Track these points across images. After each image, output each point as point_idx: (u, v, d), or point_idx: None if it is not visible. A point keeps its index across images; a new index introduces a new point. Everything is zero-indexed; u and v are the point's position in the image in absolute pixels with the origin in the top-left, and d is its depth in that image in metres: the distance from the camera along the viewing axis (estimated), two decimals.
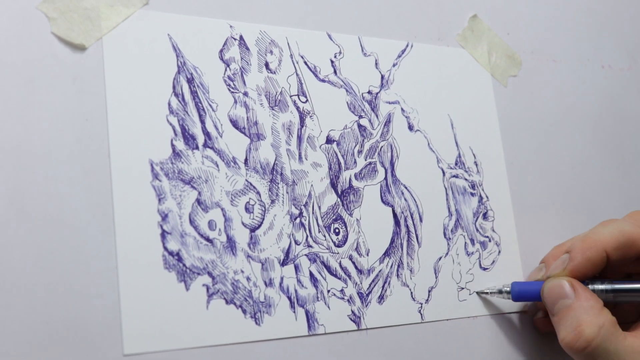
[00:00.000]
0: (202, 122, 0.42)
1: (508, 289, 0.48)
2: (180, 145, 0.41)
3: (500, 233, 0.52)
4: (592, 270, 0.46)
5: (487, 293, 0.49)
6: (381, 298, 0.46)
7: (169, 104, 0.42)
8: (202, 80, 0.43)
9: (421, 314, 0.47)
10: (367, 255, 0.46)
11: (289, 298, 0.43)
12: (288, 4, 0.47)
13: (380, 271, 0.46)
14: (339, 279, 0.45)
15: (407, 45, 0.51)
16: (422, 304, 0.47)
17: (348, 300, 0.44)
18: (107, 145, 0.40)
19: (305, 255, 0.44)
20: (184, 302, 0.39)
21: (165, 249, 0.40)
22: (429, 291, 0.47)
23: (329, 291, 0.44)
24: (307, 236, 0.44)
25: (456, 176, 0.51)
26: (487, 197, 0.52)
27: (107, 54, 0.41)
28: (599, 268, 0.46)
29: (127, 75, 0.41)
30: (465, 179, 0.51)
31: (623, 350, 0.43)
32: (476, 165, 0.52)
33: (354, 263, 0.45)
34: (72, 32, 0.40)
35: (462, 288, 0.49)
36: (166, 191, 0.40)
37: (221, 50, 0.44)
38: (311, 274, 0.44)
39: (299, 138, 0.45)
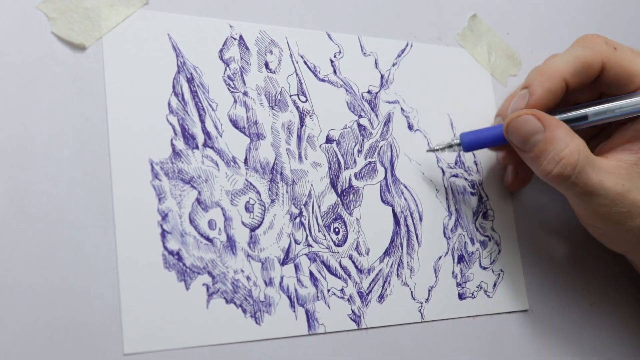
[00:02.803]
0: (202, 121, 0.42)
1: (458, 140, 0.48)
2: (180, 144, 0.41)
3: (500, 232, 0.52)
4: (553, 102, 0.46)
5: (436, 150, 0.49)
6: (381, 297, 0.46)
7: (169, 104, 0.42)
8: (202, 80, 0.43)
9: (421, 313, 0.47)
10: (367, 254, 0.46)
11: (289, 297, 0.43)
12: (288, 3, 0.47)
13: (380, 270, 0.46)
14: (339, 278, 0.45)
15: (407, 45, 0.51)
16: (422, 303, 0.47)
17: (348, 300, 0.44)
18: (107, 145, 0.40)
19: (305, 254, 0.44)
20: (184, 302, 0.40)
21: (165, 248, 0.40)
22: (429, 290, 0.47)
23: (329, 290, 0.44)
24: (307, 235, 0.44)
25: (456, 175, 0.51)
26: (487, 196, 0.52)
27: (107, 54, 0.41)
28: (559, 99, 0.46)
29: (127, 75, 0.41)
30: (465, 179, 0.51)
31: (599, 170, 0.44)
32: (476, 164, 0.52)
33: (354, 262, 0.45)
34: (72, 32, 0.40)
35: (463, 288, 0.49)
36: (166, 191, 0.41)
37: (221, 50, 0.44)
38: (311, 274, 0.44)
39: (299, 137, 0.45)
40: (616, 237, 0.48)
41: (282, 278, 0.43)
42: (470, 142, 0.47)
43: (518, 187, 0.52)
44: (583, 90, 0.48)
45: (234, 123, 0.43)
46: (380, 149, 0.48)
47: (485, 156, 0.53)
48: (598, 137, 0.51)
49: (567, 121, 0.46)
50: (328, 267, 0.44)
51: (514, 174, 0.51)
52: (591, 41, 0.47)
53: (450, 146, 0.48)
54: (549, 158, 0.44)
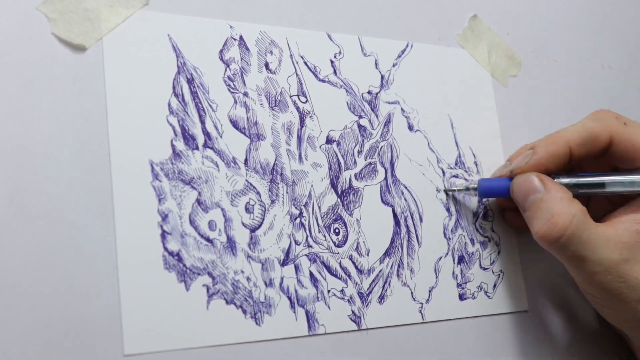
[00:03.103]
0: (202, 122, 0.42)
1: (475, 185, 0.49)
2: (180, 145, 0.41)
3: (500, 233, 0.52)
4: (555, 165, 0.47)
5: (454, 190, 0.50)
6: (381, 298, 0.46)
7: (169, 105, 0.42)
8: (202, 81, 0.43)
9: (422, 314, 0.47)
10: (367, 255, 0.46)
11: (289, 298, 0.43)
12: (288, 4, 0.47)
13: (380, 271, 0.46)
14: (339, 279, 0.45)
15: (407, 46, 0.51)
16: (422, 304, 0.47)
17: (348, 301, 0.44)
18: (107, 146, 0.40)
19: (306, 255, 0.44)
20: (184, 303, 0.39)
21: (166, 249, 0.40)
22: (430, 291, 0.47)
23: (329, 291, 0.44)
24: (307, 236, 0.44)
25: (456, 176, 0.51)
26: None
27: (107, 55, 0.41)
28: (563, 163, 0.47)
29: (127, 76, 0.41)
30: (466, 179, 0.51)
31: (596, 237, 0.44)
32: (476, 165, 0.52)
33: (354, 263, 0.45)
34: (72, 32, 0.40)
35: (463, 288, 0.49)
36: (166, 191, 0.40)
37: (221, 51, 0.44)
38: (311, 274, 0.44)
39: (299, 138, 0.45)
40: (613, 308, 0.47)
41: (282, 279, 0.43)
42: (485, 190, 0.49)
43: (520, 224, 0.51)
44: (594, 163, 0.49)
45: (234, 124, 0.43)
46: (381, 149, 0.48)
47: (486, 156, 0.53)
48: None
49: (583, 185, 0.47)
50: (328, 268, 0.44)
51: (513, 214, 0.51)
52: (602, 115, 0.48)
53: (467, 189, 0.50)
54: (541, 217, 0.45)
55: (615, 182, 0.47)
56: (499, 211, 0.52)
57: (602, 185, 0.47)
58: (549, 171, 0.47)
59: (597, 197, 0.51)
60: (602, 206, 0.50)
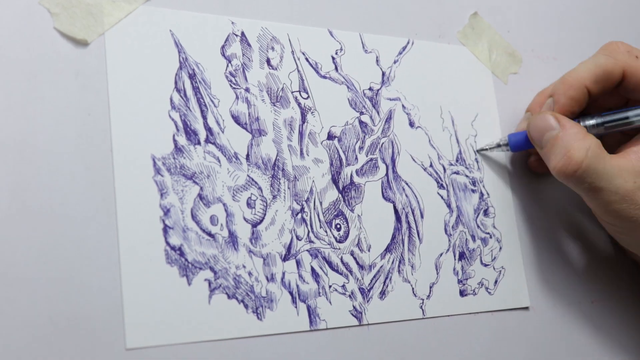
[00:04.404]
0: (204, 117, 0.43)
1: (506, 141, 0.51)
2: (182, 140, 0.42)
3: (501, 229, 0.52)
4: (577, 108, 0.49)
5: (486, 149, 0.52)
6: (382, 294, 0.46)
7: (171, 100, 0.42)
8: (204, 76, 0.43)
9: (422, 310, 0.47)
10: (369, 251, 0.46)
11: (291, 293, 0.43)
12: (289, 0, 0.47)
13: (381, 267, 0.46)
14: (341, 274, 0.45)
15: (408, 43, 0.51)
16: (423, 299, 0.47)
17: (350, 296, 0.45)
18: (110, 141, 0.40)
19: (307, 250, 0.44)
20: (186, 297, 0.40)
21: (168, 243, 0.40)
22: (430, 287, 0.48)
23: (330, 286, 0.44)
24: (308, 232, 0.44)
25: (457, 173, 0.51)
26: (487, 193, 0.52)
27: (109, 50, 0.41)
28: (583, 105, 0.49)
29: (130, 71, 0.41)
30: (466, 176, 0.51)
31: (610, 169, 0.46)
32: (477, 162, 0.52)
33: (355, 259, 0.45)
34: (75, 27, 0.40)
35: (464, 284, 0.49)
36: (168, 186, 0.41)
37: (223, 47, 0.44)
38: (313, 270, 0.44)
39: (301, 134, 0.46)
40: (630, 235, 0.48)
41: (283, 274, 0.43)
42: (516, 143, 0.50)
43: (542, 169, 0.53)
44: (608, 97, 0.51)
45: (236, 119, 0.44)
46: (382, 145, 0.48)
47: (486, 154, 0.53)
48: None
49: (609, 122, 0.49)
50: (329, 263, 0.44)
51: (537, 159, 0.53)
52: (613, 49, 0.50)
53: (498, 146, 0.51)
54: (557, 152, 0.46)
55: (638, 114, 0.48)
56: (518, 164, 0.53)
57: (626, 119, 0.48)
58: (571, 115, 0.49)
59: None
60: (615, 139, 0.51)
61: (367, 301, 0.45)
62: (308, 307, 0.43)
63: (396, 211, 0.48)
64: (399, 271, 0.47)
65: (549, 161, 0.47)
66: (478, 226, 0.51)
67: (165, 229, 0.40)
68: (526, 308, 0.51)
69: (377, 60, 0.50)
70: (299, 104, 0.46)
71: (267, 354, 0.41)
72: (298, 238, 0.44)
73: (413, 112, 0.50)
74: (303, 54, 0.47)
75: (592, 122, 0.49)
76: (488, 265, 0.50)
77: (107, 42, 0.41)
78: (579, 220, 0.56)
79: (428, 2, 0.53)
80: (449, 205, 0.50)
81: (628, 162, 0.46)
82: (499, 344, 0.49)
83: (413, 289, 0.47)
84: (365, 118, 0.48)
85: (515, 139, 0.51)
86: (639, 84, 0.49)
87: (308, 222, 0.44)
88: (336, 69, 0.48)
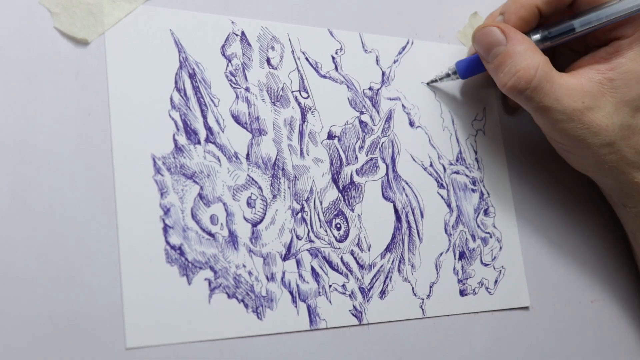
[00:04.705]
0: (204, 117, 0.43)
1: (454, 69, 0.50)
2: (182, 140, 0.42)
3: (501, 229, 0.52)
4: (526, 29, 0.48)
5: (435, 80, 0.51)
6: (382, 293, 0.46)
7: (171, 99, 0.42)
8: (204, 76, 0.43)
9: (422, 310, 0.47)
10: (369, 250, 0.46)
11: (291, 293, 0.43)
12: (289, 0, 0.47)
13: (381, 266, 0.46)
14: (341, 274, 0.45)
15: (408, 42, 0.51)
16: (423, 299, 0.47)
17: (350, 295, 0.45)
18: (110, 140, 0.40)
19: (307, 250, 0.44)
20: (186, 296, 0.40)
21: (168, 243, 0.40)
22: (430, 287, 0.48)
23: (330, 286, 0.44)
24: (308, 231, 0.44)
25: (457, 172, 0.51)
26: (488, 193, 0.52)
27: (109, 49, 0.41)
28: (532, 25, 0.49)
29: (130, 71, 0.41)
30: (466, 175, 0.51)
31: (559, 87, 0.46)
32: (477, 161, 0.52)
33: (355, 258, 0.45)
34: (75, 27, 0.40)
35: (464, 284, 0.49)
36: (168, 186, 0.41)
37: (223, 46, 0.44)
38: (313, 269, 0.44)
39: (301, 133, 0.46)
40: (577, 154, 0.49)
41: (283, 273, 0.43)
42: (465, 69, 0.50)
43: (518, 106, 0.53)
44: (560, 17, 0.50)
45: (236, 119, 0.44)
46: (382, 145, 0.48)
47: (487, 153, 0.53)
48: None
49: (555, 36, 0.48)
50: (330, 263, 0.44)
51: None
52: None
53: (447, 75, 0.51)
54: (506, 71, 0.46)
55: (583, 22, 0.47)
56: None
57: (572, 29, 0.48)
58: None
59: (560, 47, 0.52)
60: (566, 56, 0.51)
61: (367, 301, 0.45)
62: (308, 307, 0.43)
63: (396, 211, 0.48)
64: (399, 271, 0.47)
65: (498, 78, 0.47)
66: (478, 226, 0.51)
67: (165, 229, 0.40)
68: (526, 308, 0.51)
69: (377, 60, 0.50)
70: (299, 104, 0.46)
71: (267, 353, 0.41)
72: (298, 237, 0.44)
73: (413, 112, 0.50)
74: (303, 53, 0.47)
75: (537, 36, 0.48)
76: (488, 264, 0.50)
77: (107, 41, 0.41)
78: (579, 220, 0.56)
79: (428, 2, 0.53)
80: (449, 205, 0.50)
81: (577, 82, 0.46)
82: (499, 343, 0.49)
83: (413, 288, 0.47)
84: (365, 118, 0.48)
85: (463, 64, 0.50)
86: (590, 1, 0.48)
87: (308, 222, 0.44)
88: (336, 68, 0.48)
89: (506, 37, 0.47)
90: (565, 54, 0.52)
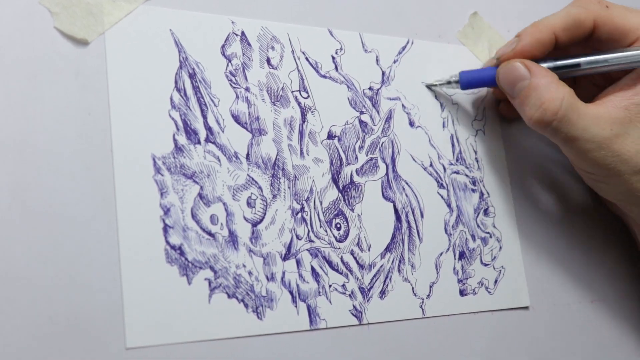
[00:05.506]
0: (204, 117, 0.43)
1: (457, 78, 0.50)
2: (182, 139, 0.42)
3: (501, 229, 0.52)
4: (541, 51, 0.48)
5: (435, 85, 0.51)
6: (382, 293, 0.46)
7: (171, 99, 0.42)
8: (204, 76, 0.43)
9: (422, 309, 0.47)
10: (369, 250, 0.46)
11: (291, 293, 0.43)
12: (289, 0, 0.47)
13: (381, 266, 0.46)
14: (341, 274, 0.45)
15: (408, 42, 0.51)
16: (423, 299, 0.47)
17: (350, 295, 0.45)
18: (110, 140, 0.40)
19: (307, 250, 0.44)
20: (186, 296, 0.40)
21: (168, 243, 0.40)
22: (430, 286, 0.48)
23: (330, 286, 0.44)
24: (308, 231, 0.44)
25: (457, 172, 0.51)
26: (487, 193, 0.52)
27: (109, 49, 0.41)
28: (548, 49, 0.49)
29: (130, 70, 0.41)
30: (466, 175, 0.51)
31: (585, 116, 0.46)
32: (477, 161, 0.52)
33: (355, 258, 0.45)
34: (75, 27, 0.40)
35: (464, 284, 0.49)
36: (168, 185, 0.41)
37: (223, 46, 0.44)
38: (313, 269, 0.44)
39: (301, 133, 0.46)
40: (608, 182, 0.48)
41: (283, 273, 0.43)
42: (468, 81, 0.50)
43: (513, 115, 0.53)
44: (578, 47, 0.50)
45: (236, 118, 0.44)
46: (382, 145, 0.48)
47: (487, 153, 0.53)
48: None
49: (560, 68, 0.48)
50: (329, 263, 0.44)
51: (507, 104, 0.53)
52: (584, 1, 0.49)
53: (449, 83, 0.51)
54: (531, 103, 0.46)
55: (589, 61, 0.48)
56: (494, 103, 0.53)
57: (577, 65, 0.48)
58: (534, 57, 0.48)
59: (584, 82, 0.52)
60: (589, 90, 0.51)
61: (367, 301, 0.45)
62: (308, 307, 0.43)
63: (396, 211, 0.48)
64: (399, 271, 0.47)
65: (524, 112, 0.47)
66: (478, 226, 0.51)
67: (165, 229, 0.40)
68: (526, 307, 0.51)
69: (377, 60, 0.50)
70: (299, 104, 0.46)
71: (267, 353, 0.41)
72: (298, 237, 0.44)
73: (413, 112, 0.50)
74: (303, 53, 0.47)
75: (545, 65, 0.48)
76: (488, 264, 0.51)
77: (107, 41, 0.41)
78: (579, 220, 0.56)
79: (428, 1, 0.53)
80: (449, 205, 0.50)
81: (604, 110, 0.46)
82: (498, 343, 0.49)
83: (413, 288, 0.47)
84: (365, 117, 0.48)
85: (468, 77, 0.50)
86: (610, 34, 0.48)
87: (308, 222, 0.44)
88: (336, 68, 0.48)
89: (530, 71, 0.47)
90: (587, 88, 0.52)
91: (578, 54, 0.49)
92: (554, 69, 0.48)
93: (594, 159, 0.46)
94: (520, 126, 0.55)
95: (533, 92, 0.46)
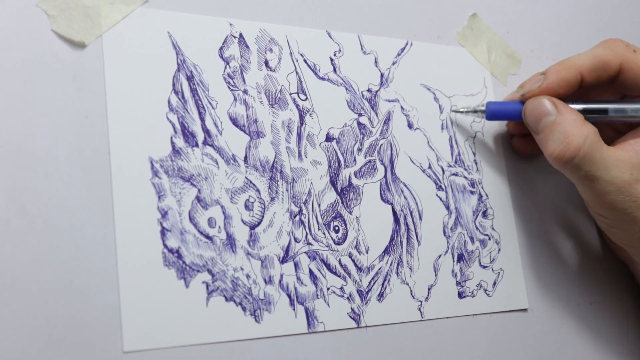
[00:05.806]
0: (202, 119, 0.42)
1: (483, 107, 0.50)
2: (180, 142, 0.41)
3: (499, 231, 0.52)
4: (566, 90, 0.49)
5: (461, 112, 0.51)
6: (381, 296, 0.46)
7: (169, 102, 0.42)
8: (202, 78, 0.43)
9: (421, 312, 0.47)
10: (367, 253, 0.46)
11: (289, 296, 0.43)
12: (288, 2, 0.47)
13: (379, 269, 0.46)
14: (339, 276, 0.45)
15: (407, 44, 0.51)
16: (421, 301, 0.47)
17: (348, 298, 0.44)
18: (107, 143, 0.40)
19: (305, 252, 0.44)
20: (183, 300, 0.39)
21: (165, 246, 0.40)
22: (429, 289, 0.47)
23: (328, 289, 0.44)
24: (306, 234, 0.44)
25: (456, 174, 0.51)
26: (486, 195, 0.52)
27: (107, 52, 0.41)
28: (573, 89, 0.49)
29: (127, 73, 0.41)
30: (465, 177, 0.51)
31: (608, 158, 0.46)
32: (475, 163, 0.52)
33: (353, 261, 0.45)
34: (72, 29, 0.40)
35: (462, 286, 0.49)
36: (166, 189, 0.40)
37: (221, 48, 0.44)
38: (311, 272, 0.44)
39: (299, 136, 0.45)
40: (622, 228, 0.48)
41: (281, 276, 0.43)
42: (494, 112, 0.50)
43: (526, 151, 0.53)
44: (604, 90, 0.51)
45: (234, 121, 0.43)
46: (380, 147, 0.48)
47: (485, 155, 0.53)
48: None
49: (588, 112, 0.48)
50: (328, 266, 0.44)
51: (521, 141, 0.53)
52: (612, 43, 0.50)
53: (475, 111, 0.51)
54: (555, 138, 0.46)
55: (618, 109, 0.48)
56: (507, 140, 0.53)
57: (605, 111, 0.48)
58: (559, 96, 0.48)
59: (603, 125, 0.52)
60: (607, 134, 0.51)
61: (365, 303, 0.45)
62: (306, 310, 0.43)
63: (395, 213, 0.48)
64: (397, 273, 0.47)
65: (546, 147, 0.47)
66: (477, 228, 0.51)
67: (163, 232, 0.40)
68: (525, 310, 0.51)
69: (375, 62, 0.50)
70: (297, 106, 0.46)
71: (265, 356, 0.41)
72: (296, 240, 0.44)
73: (412, 114, 0.50)
74: (301, 55, 0.47)
75: (574, 106, 0.48)
76: (487, 267, 0.50)
77: (105, 44, 0.41)
78: (578, 222, 0.56)
79: (427, 3, 0.53)
80: (447, 207, 0.50)
81: (625, 154, 0.46)
82: (497, 345, 0.49)
83: (411, 291, 0.47)
84: (363, 120, 0.48)
85: (494, 109, 0.50)
86: (635, 78, 0.49)
87: (306, 224, 0.44)
88: (335, 70, 0.48)
89: (556, 108, 0.47)
90: (606, 132, 0.51)
91: (607, 100, 0.49)
92: (583, 111, 0.48)
93: (612, 202, 0.46)
94: None
95: (558, 127, 0.46)
